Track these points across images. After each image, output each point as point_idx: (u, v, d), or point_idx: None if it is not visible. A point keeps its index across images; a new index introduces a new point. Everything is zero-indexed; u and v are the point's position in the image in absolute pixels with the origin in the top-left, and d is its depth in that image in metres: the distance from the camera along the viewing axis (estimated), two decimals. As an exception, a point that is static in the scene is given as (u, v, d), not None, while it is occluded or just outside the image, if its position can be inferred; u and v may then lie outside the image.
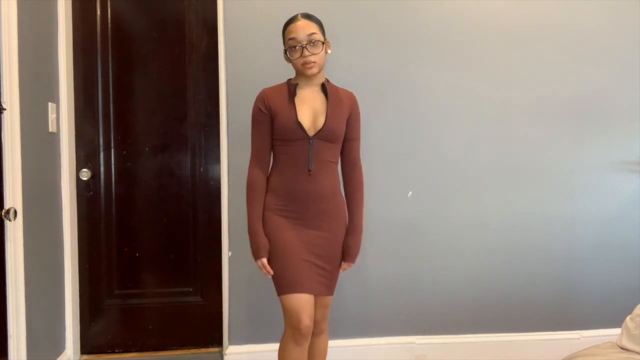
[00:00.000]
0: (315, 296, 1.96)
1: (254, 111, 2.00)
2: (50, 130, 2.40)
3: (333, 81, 2.09)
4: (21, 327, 2.04)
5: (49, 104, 2.39)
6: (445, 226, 2.66)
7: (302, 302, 1.88)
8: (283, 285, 1.91)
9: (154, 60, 2.72)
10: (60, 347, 2.53)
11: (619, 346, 1.72)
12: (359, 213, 2.06)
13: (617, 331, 1.87)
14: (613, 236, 2.76)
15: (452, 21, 2.61)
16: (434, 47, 2.61)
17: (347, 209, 2.05)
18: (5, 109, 1.93)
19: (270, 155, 2.01)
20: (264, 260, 1.93)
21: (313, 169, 1.94)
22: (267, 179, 2.01)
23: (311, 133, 1.94)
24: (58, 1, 2.50)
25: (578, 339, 2.72)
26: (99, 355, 2.74)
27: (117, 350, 2.77)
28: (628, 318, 1.78)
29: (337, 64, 2.52)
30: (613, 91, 2.72)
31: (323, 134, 1.94)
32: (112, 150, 2.72)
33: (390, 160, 2.61)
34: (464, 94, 2.64)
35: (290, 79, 2.04)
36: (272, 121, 1.97)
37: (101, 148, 2.71)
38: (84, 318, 2.72)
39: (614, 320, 2.57)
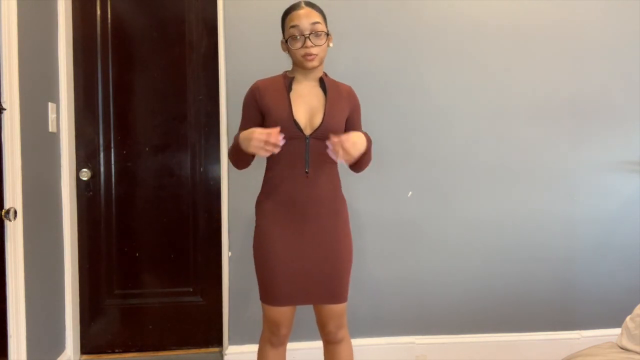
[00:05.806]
0: (321, 305, 1.87)
1: (246, 99, 1.88)
2: (50, 130, 2.40)
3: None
4: (21, 327, 2.03)
5: (49, 104, 2.39)
6: (446, 226, 2.66)
7: (281, 314, 1.84)
8: (264, 295, 1.86)
9: (154, 60, 2.72)
10: (60, 347, 2.53)
11: (619, 346, 1.72)
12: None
13: (617, 331, 1.87)
14: (613, 236, 2.76)
15: (452, 21, 2.61)
16: (434, 47, 2.61)
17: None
18: (5, 109, 1.93)
19: None
20: (258, 130, 1.65)
21: (311, 171, 1.79)
22: (263, 182, 1.89)
23: (308, 132, 1.80)
24: (58, 1, 2.50)
25: (578, 339, 2.72)
26: (99, 355, 2.74)
27: (117, 350, 2.77)
28: (628, 318, 1.78)
29: (337, 63, 2.52)
30: (613, 91, 2.72)
31: (321, 133, 1.79)
32: (112, 150, 2.72)
33: (390, 160, 2.61)
34: (464, 94, 2.64)
35: (286, 72, 1.90)
36: (263, 117, 1.84)
37: (101, 148, 2.71)
38: (84, 318, 2.72)
39: (614, 320, 2.58)
